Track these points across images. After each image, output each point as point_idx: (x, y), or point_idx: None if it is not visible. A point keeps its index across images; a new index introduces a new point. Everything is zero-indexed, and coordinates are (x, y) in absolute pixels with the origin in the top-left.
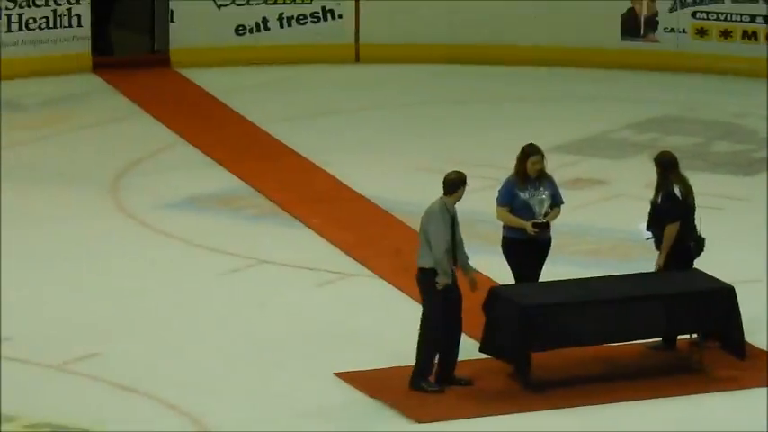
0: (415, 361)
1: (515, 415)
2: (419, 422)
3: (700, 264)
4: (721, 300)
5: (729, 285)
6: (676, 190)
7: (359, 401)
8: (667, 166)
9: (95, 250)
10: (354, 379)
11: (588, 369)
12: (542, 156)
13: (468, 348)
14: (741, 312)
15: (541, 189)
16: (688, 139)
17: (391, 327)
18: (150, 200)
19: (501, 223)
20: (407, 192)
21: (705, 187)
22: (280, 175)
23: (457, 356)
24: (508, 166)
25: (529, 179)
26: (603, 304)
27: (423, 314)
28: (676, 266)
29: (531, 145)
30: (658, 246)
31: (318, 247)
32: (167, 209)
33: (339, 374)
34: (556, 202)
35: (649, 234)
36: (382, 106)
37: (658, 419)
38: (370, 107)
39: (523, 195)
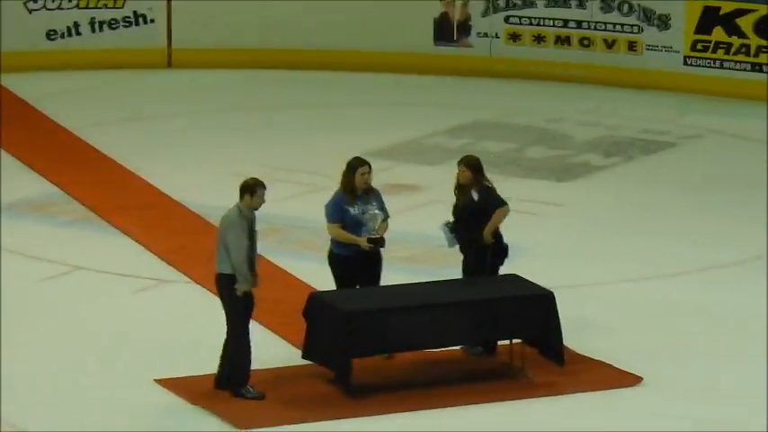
0: (230, 369)
1: (337, 421)
2: (243, 429)
3: (516, 269)
4: (540, 305)
5: (548, 291)
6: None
7: (180, 408)
8: (479, 167)
9: None
10: (175, 385)
11: (409, 375)
12: (370, 167)
13: (290, 354)
14: (560, 318)
15: (372, 203)
16: (502, 145)
17: (210, 333)
18: None
19: (322, 231)
20: (223, 197)
21: (520, 192)
22: (94, 181)
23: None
24: (322, 172)
25: (356, 193)
26: (424, 310)
27: (227, 321)
28: (491, 262)
29: (357, 158)
30: (463, 249)
31: (134, 253)
32: None
33: (159, 381)
34: (385, 216)
35: (454, 241)
36: (196, 112)
37: (477, 424)
38: (184, 113)
39: (353, 211)
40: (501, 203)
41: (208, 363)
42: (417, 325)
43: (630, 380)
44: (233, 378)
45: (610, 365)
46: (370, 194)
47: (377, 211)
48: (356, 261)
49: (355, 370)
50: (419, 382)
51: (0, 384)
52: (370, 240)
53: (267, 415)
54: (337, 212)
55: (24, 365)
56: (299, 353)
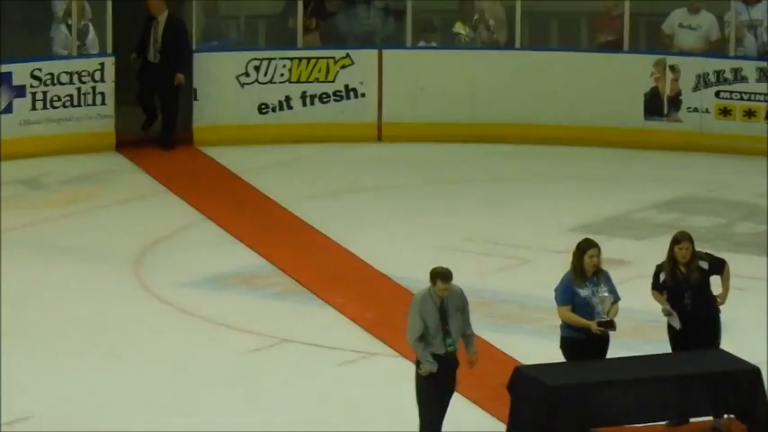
0: None
1: None
2: None
3: (724, 345)
4: (746, 381)
5: (754, 366)
6: None
7: None
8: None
9: (119, 328)
10: None
11: None
12: (599, 249)
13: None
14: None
15: (601, 286)
16: (711, 220)
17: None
18: (173, 278)
19: (529, 305)
20: (428, 270)
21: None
22: (302, 254)
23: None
24: (530, 245)
25: (586, 275)
26: (627, 384)
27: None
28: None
29: (586, 240)
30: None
31: (341, 325)
32: (190, 287)
33: None
34: (615, 299)
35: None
36: (404, 185)
37: None
38: (392, 185)
39: (583, 293)
40: (723, 261)
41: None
42: (622, 400)
43: None
44: None
45: None
46: (600, 276)
47: (606, 294)
48: (587, 344)
49: None
50: None
51: None
52: (600, 324)
53: None
54: (567, 295)
55: None
56: (504, 427)
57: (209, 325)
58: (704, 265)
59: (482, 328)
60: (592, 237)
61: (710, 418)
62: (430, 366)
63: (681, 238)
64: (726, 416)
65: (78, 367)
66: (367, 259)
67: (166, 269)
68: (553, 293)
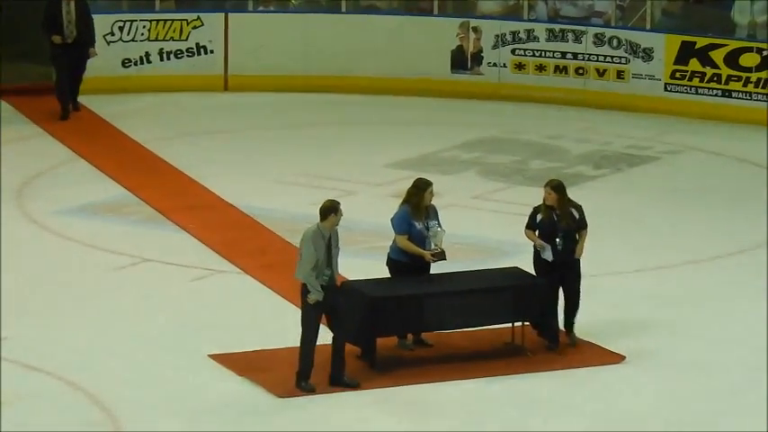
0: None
1: (359, 391)
2: (280, 397)
3: (519, 263)
4: (540, 293)
5: (543, 280)
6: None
7: (230, 378)
8: (563, 190)
9: (4, 250)
10: (226, 360)
11: (427, 352)
12: (432, 187)
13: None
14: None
15: (433, 219)
16: (508, 158)
17: (256, 315)
18: (50, 207)
19: (350, 227)
20: (269, 201)
21: (524, 199)
22: (161, 187)
23: (343, 359)
24: (354, 179)
25: (422, 210)
26: (443, 296)
27: (301, 320)
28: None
29: (423, 179)
30: (564, 261)
31: (193, 247)
32: (64, 214)
33: (212, 356)
34: (444, 232)
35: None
36: (246, 128)
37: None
38: (237, 129)
39: (418, 226)
40: (586, 225)
41: (254, 341)
42: (436, 309)
43: (615, 358)
44: (298, 370)
45: (596, 345)
46: (430, 210)
47: (439, 229)
48: (411, 268)
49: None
50: (435, 360)
51: None
52: (433, 255)
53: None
54: (404, 226)
55: (99, 341)
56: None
57: (80, 246)
58: (576, 214)
59: None
60: (406, 172)
61: (509, 325)
62: (317, 295)
63: (546, 185)
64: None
65: None
66: (216, 191)
67: (44, 200)
68: (376, 219)
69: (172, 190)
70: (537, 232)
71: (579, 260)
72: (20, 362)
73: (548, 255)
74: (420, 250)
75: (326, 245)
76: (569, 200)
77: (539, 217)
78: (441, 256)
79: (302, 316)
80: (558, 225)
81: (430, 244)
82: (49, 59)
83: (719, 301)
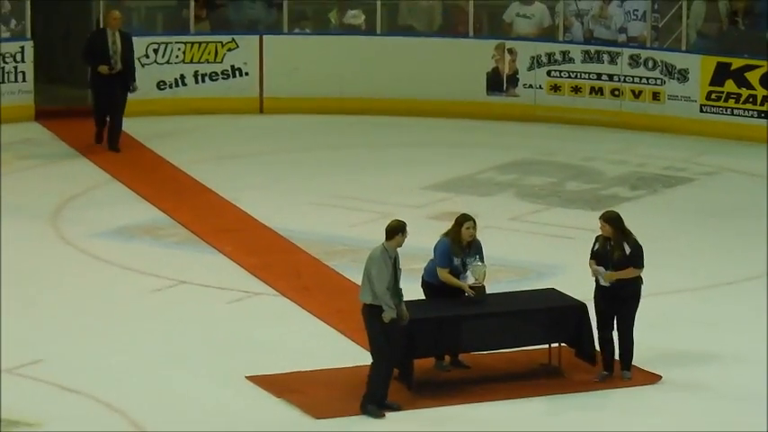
0: (366, 387)
1: (398, 412)
2: (318, 418)
3: (556, 284)
4: (575, 314)
5: (581, 302)
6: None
7: (267, 400)
8: (618, 222)
9: (40, 273)
10: (263, 381)
11: (464, 374)
12: (474, 222)
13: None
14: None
15: (474, 255)
16: (544, 179)
17: (292, 337)
18: (86, 230)
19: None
20: (305, 223)
21: (559, 220)
22: (197, 209)
23: (388, 384)
24: (389, 201)
25: (462, 245)
26: (479, 317)
27: (370, 344)
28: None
29: (464, 215)
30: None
31: (230, 269)
32: (100, 237)
33: (250, 378)
34: (484, 266)
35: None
36: (282, 150)
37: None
38: (272, 151)
39: (456, 261)
40: (640, 266)
41: (290, 362)
42: (472, 330)
43: (652, 378)
44: (366, 392)
45: (633, 365)
46: (472, 245)
47: (479, 263)
48: (445, 290)
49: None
50: (471, 381)
51: None
52: (472, 287)
53: (337, 407)
54: (446, 259)
55: (136, 363)
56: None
57: (117, 269)
58: (627, 249)
59: (350, 270)
60: (442, 194)
61: (546, 346)
62: (392, 313)
63: (600, 217)
64: (558, 345)
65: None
66: (252, 213)
67: (80, 222)
68: (413, 242)
69: (207, 212)
70: (594, 262)
71: (634, 300)
72: (57, 383)
73: (603, 281)
74: (460, 283)
75: (393, 264)
76: (629, 234)
77: (596, 246)
78: (480, 291)
79: (371, 339)
80: (610, 256)
81: (465, 280)
82: (89, 86)
83: (757, 324)
